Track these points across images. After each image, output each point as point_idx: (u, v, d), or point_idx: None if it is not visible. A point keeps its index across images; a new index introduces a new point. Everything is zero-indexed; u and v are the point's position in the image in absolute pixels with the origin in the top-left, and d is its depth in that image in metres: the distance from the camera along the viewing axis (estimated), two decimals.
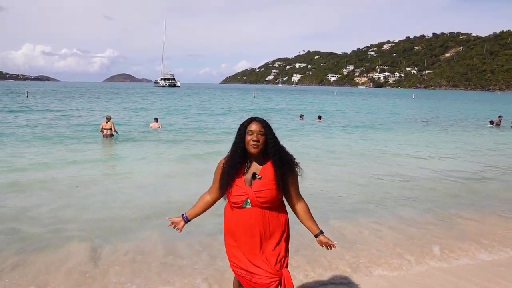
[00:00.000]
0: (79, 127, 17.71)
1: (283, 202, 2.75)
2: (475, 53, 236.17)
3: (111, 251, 4.73)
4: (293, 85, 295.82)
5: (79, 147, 12.41)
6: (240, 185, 2.60)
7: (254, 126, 2.57)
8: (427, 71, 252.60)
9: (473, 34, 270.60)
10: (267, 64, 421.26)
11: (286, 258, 2.73)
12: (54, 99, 42.98)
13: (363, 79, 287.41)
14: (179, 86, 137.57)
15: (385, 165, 10.42)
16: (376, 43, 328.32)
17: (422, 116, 30.39)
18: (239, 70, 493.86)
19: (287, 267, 2.70)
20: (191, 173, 9.05)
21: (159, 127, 17.80)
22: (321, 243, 2.76)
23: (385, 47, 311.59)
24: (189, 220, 2.87)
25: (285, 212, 2.75)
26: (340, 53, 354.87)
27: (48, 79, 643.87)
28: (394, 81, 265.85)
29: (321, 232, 2.75)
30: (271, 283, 2.60)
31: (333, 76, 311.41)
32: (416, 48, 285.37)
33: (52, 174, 8.58)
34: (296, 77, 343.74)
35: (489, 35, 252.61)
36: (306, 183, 4.43)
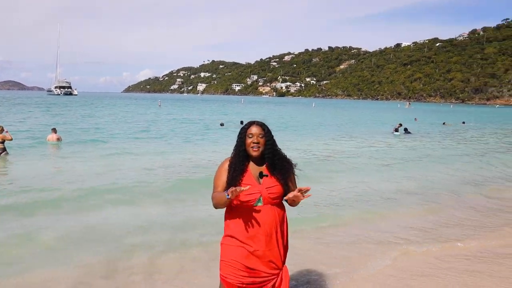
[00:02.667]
0: None
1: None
2: (365, 66, 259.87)
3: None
4: (198, 94, 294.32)
5: None
6: (251, 183, 2.65)
7: (254, 129, 2.71)
8: (324, 82, 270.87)
9: (363, 49, 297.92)
10: (171, 73, 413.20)
11: (286, 253, 2.85)
12: None
13: (267, 89, 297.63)
14: (76, 95, 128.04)
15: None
16: (278, 54, 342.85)
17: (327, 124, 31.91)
18: (142, 79, 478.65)
19: (284, 262, 2.81)
20: (106, 191, 7.88)
21: (58, 139, 15.54)
22: (292, 195, 2.60)
23: (286, 58, 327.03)
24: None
25: (284, 207, 2.84)
26: (244, 63, 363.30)
27: None
28: (295, 90, 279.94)
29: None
30: (273, 278, 2.73)
31: (237, 86, 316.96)
32: (314, 60, 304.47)
33: None
34: (201, 86, 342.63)
35: (375, 50, 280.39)
36: None
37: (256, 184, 2.68)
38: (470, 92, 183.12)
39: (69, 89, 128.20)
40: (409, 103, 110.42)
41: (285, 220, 2.83)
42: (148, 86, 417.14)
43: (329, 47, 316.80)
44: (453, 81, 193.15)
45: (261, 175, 2.70)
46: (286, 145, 16.01)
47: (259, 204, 2.66)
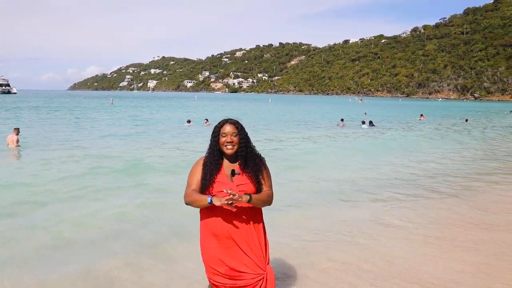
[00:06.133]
0: None
1: None
2: (315, 61, 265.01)
3: None
4: (149, 91, 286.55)
5: None
6: (223, 181, 2.70)
7: (227, 128, 2.73)
8: (276, 77, 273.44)
9: (312, 45, 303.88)
10: (120, 69, 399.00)
11: (268, 253, 2.84)
12: None
13: (219, 85, 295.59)
14: (15, 93, 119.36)
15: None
16: (229, 50, 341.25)
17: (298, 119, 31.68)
18: (89, 76, 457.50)
19: (268, 263, 2.81)
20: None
21: (17, 143, 13.32)
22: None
23: (238, 54, 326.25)
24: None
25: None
26: (195, 59, 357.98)
27: None
28: (247, 86, 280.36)
29: (250, 196, 2.65)
30: (257, 283, 2.68)
31: (189, 82, 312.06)
32: (265, 56, 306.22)
33: None
34: (152, 83, 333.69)
35: (325, 46, 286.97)
36: None
37: (228, 182, 2.72)
38: (414, 86, 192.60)
39: (7, 87, 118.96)
40: (361, 99, 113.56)
41: (260, 218, 2.83)
42: (96, 84, 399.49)
43: (280, 43, 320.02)
44: (398, 76, 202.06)
45: (233, 173, 2.74)
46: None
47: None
